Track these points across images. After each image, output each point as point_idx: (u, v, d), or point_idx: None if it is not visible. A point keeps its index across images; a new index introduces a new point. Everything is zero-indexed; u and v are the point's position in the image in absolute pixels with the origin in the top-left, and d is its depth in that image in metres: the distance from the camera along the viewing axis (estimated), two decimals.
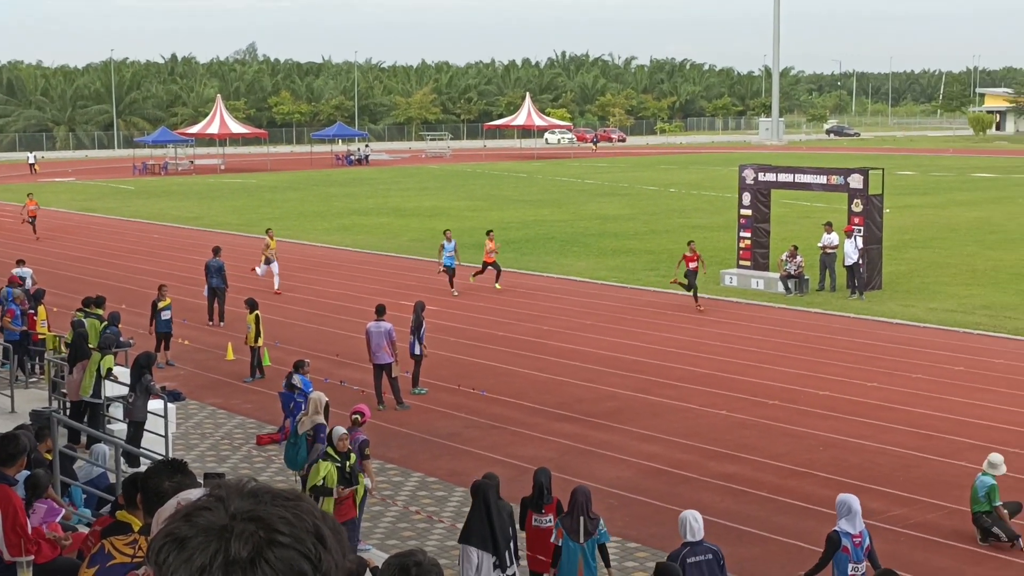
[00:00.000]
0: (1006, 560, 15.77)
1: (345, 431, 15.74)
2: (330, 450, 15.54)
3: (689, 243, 34.53)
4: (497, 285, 36.68)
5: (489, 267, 36.87)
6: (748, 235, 38.41)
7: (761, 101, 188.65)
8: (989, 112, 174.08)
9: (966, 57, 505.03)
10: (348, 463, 15.45)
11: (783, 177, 38.48)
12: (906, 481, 18.96)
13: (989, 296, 35.41)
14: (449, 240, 36.21)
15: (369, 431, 18.09)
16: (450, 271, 36.04)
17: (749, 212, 38.41)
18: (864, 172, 36.38)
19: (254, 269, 37.32)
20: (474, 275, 37.03)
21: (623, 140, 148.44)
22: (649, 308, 34.17)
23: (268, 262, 36.87)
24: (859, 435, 21.45)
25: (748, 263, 38.25)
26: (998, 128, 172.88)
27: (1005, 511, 16.19)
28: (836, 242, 36.18)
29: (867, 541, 12.90)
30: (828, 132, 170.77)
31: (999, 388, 24.64)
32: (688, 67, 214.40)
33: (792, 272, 35.97)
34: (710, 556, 11.99)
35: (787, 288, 35.91)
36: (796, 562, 15.69)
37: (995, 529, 16.08)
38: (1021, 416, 22.45)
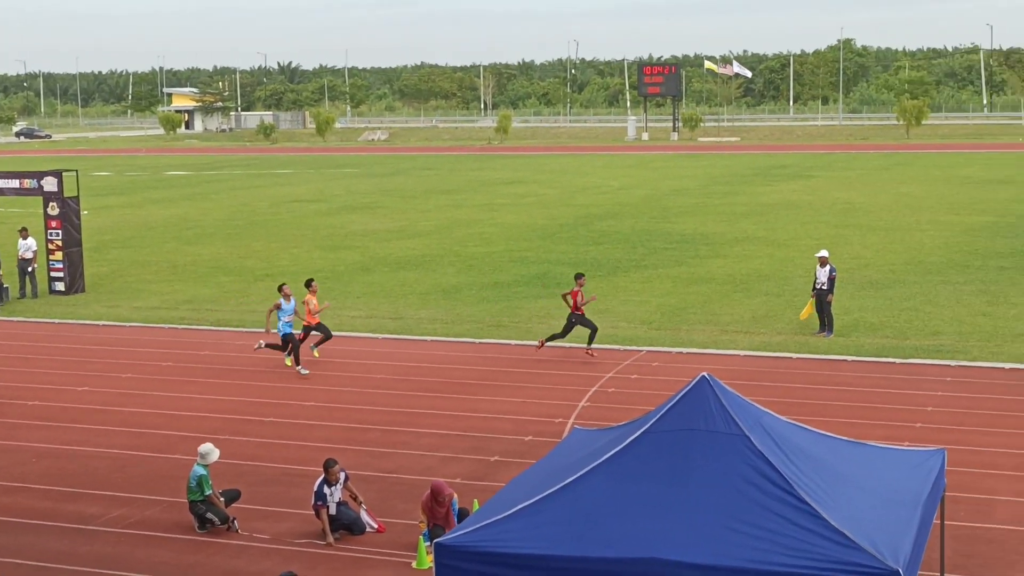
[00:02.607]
0: (223, 543, 16.42)
1: None
2: None
3: (578, 277, 27.40)
4: (315, 352, 26.95)
5: (312, 331, 26.81)
6: None
7: None
8: (178, 111, 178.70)
9: (152, 57, 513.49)
10: None
11: None
12: (124, 481, 19.04)
13: (191, 290, 36.50)
14: (288, 299, 26.16)
15: None
16: (289, 339, 26.06)
17: None
18: (58, 174, 35.83)
19: None
20: (314, 346, 26.96)
21: None
22: None
23: None
24: (74, 441, 21.18)
25: None
26: (187, 127, 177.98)
27: (221, 498, 16.85)
28: (34, 247, 35.37)
29: None
30: (18, 135, 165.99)
31: (207, 379, 25.52)
32: None
33: None
34: None
35: None
36: None
37: (209, 515, 16.69)
38: (228, 404, 23.44)
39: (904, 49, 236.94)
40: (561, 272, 38.36)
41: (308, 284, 27.04)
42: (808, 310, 28.60)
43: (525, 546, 10.57)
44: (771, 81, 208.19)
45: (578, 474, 11.19)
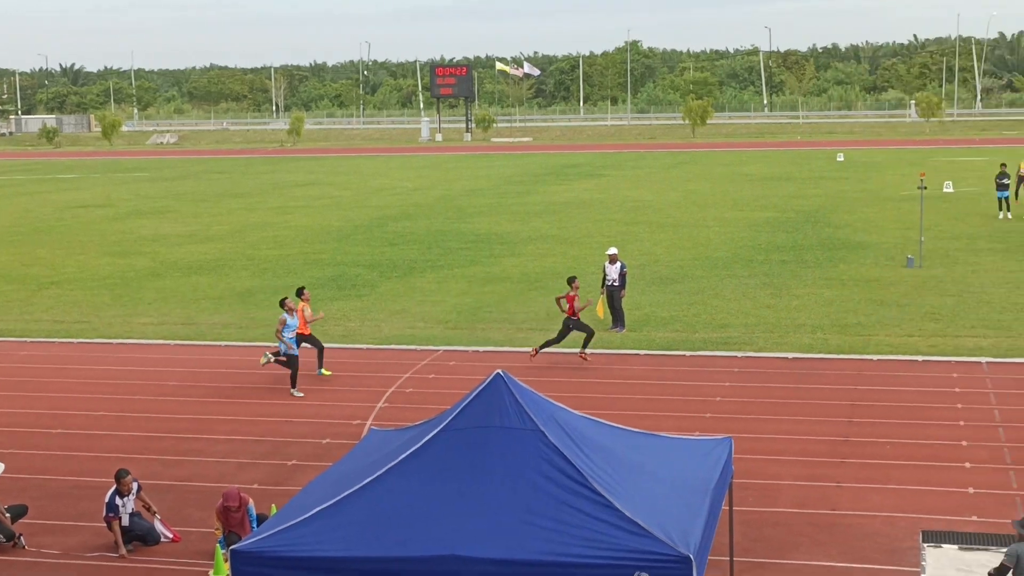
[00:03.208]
0: (10, 560, 15.85)
1: None
2: None
3: (571, 281, 26.08)
4: (324, 371, 25.16)
5: (304, 343, 24.60)
6: None
7: None
8: None
9: None
10: None
11: None
12: None
13: None
14: (292, 313, 23.96)
15: None
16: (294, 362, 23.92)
17: None
18: None
19: None
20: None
21: None
22: None
23: None
24: None
25: None
26: None
27: (7, 513, 16.26)
28: None
29: None
30: None
31: None
32: None
33: None
34: None
35: None
36: None
37: None
38: (13, 416, 22.59)
39: (688, 51, 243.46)
40: (357, 274, 38.21)
41: (299, 293, 25.03)
42: (601, 307, 29.14)
43: (323, 549, 10.51)
44: (561, 82, 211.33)
45: (375, 475, 11.18)
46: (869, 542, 15.77)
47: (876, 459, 19.07)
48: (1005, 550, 12.73)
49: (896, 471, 18.48)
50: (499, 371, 11.99)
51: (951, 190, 57.88)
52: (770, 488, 17.80)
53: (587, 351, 25.72)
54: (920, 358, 25.61)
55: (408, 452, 11.37)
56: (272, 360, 23.92)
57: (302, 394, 23.69)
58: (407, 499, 10.91)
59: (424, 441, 11.44)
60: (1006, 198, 48.61)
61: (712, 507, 11.84)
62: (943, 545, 15.23)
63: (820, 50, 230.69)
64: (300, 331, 24.26)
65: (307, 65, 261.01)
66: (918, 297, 32.03)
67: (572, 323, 25.51)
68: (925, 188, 39.29)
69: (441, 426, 11.57)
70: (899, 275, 35.47)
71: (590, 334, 25.65)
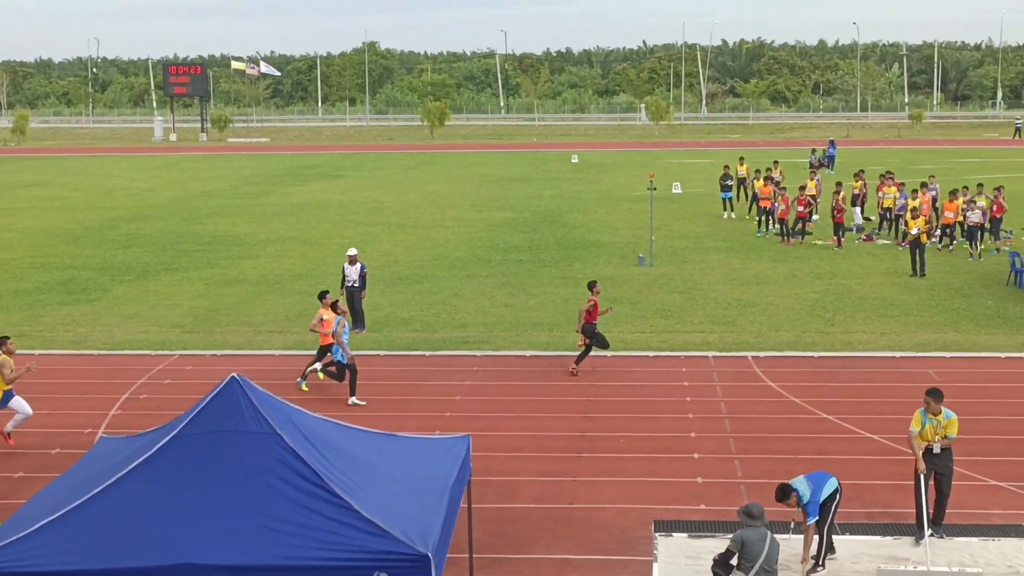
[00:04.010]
0: None
1: None
2: None
3: (592, 285, 25.24)
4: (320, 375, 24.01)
5: (329, 351, 23.31)
6: None
7: None
8: None
9: None
10: None
11: None
12: None
13: None
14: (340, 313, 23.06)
15: None
16: (342, 368, 22.87)
17: None
18: None
19: None
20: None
21: None
22: None
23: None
24: None
25: None
26: None
27: None
28: None
29: None
30: None
31: None
32: None
33: None
34: None
35: None
36: None
37: None
38: None
39: (426, 53, 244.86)
40: (87, 277, 36.93)
41: (322, 296, 24.02)
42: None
43: (51, 563, 10.12)
44: (299, 82, 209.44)
45: (106, 484, 10.84)
46: (604, 533, 16.23)
47: (610, 452, 19.64)
48: (731, 536, 13.31)
49: (629, 463, 19.07)
50: (234, 375, 11.81)
51: (679, 191, 60.10)
52: (509, 484, 18.09)
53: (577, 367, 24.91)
54: (651, 353, 26.49)
55: (140, 459, 11.08)
56: (322, 371, 23.49)
57: (364, 402, 22.59)
58: (139, 507, 10.62)
59: (157, 448, 11.16)
60: (730, 199, 50.79)
61: (450, 505, 11.97)
62: (674, 534, 15.80)
63: (554, 54, 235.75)
64: (326, 340, 23.34)
65: (32, 61, 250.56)
66: (649, 294, 33.12)
67: (589, 329, 24.85)
68: (655, 189, 40.63)
69: (174, 432, 11.32)
70: (631, 273, 36.60)
71: (604, 346, 25.13)
